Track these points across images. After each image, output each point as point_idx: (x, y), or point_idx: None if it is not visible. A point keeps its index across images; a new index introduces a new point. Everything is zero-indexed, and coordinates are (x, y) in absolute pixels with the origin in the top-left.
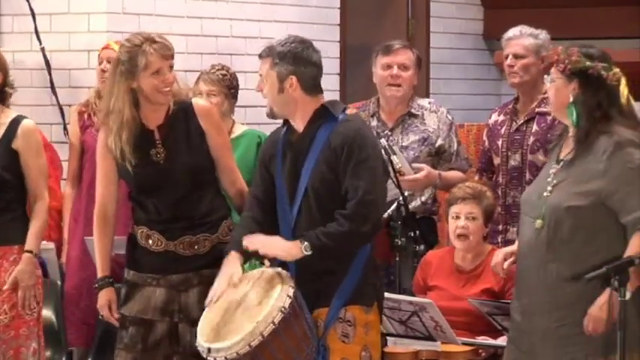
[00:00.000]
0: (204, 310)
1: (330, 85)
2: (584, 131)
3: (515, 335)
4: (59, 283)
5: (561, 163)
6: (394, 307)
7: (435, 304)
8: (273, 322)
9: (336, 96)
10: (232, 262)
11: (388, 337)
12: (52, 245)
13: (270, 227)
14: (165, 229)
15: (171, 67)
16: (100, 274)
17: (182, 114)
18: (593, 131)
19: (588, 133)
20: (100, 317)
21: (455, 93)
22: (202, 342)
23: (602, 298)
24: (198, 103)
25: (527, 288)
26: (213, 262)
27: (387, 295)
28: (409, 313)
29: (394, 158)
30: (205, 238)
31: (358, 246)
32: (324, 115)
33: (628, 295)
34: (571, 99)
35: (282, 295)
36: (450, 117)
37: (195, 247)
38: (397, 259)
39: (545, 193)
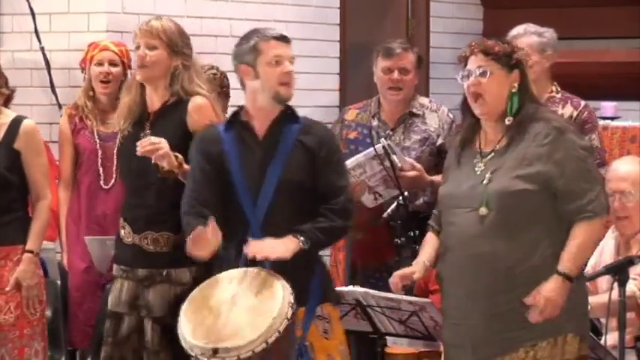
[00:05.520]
0: (168, 308)
1: (330, 85)
2: (519, 119)
3: (453, 333)
4: (59, 282)
5: (491, 154)
6: (394, 306)
7: (436, 306)
8: (287, 318)
9: (336, 96)
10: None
11: (388, 337)
12: (52, 245)
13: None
14: (132, 219)
15: (149, 46)
16: None
17: (177, 105)
18: (526, 119)
19: (522, 121)
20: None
21: (455, 93)
22: (202, 344)
23: (554, 283)
24: (195, 100)
25: (465, 277)
26: (176, 263)
27: (387, 295)
28: (409, 312)
29: (394, 158)
30: (168, 237)
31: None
32: (288, 115)
33: None
34: (515, 89)
35: (286, 291)
36: (450, 116)
37: (158, 244)
38: (397, 258)
39: (483, 182)
